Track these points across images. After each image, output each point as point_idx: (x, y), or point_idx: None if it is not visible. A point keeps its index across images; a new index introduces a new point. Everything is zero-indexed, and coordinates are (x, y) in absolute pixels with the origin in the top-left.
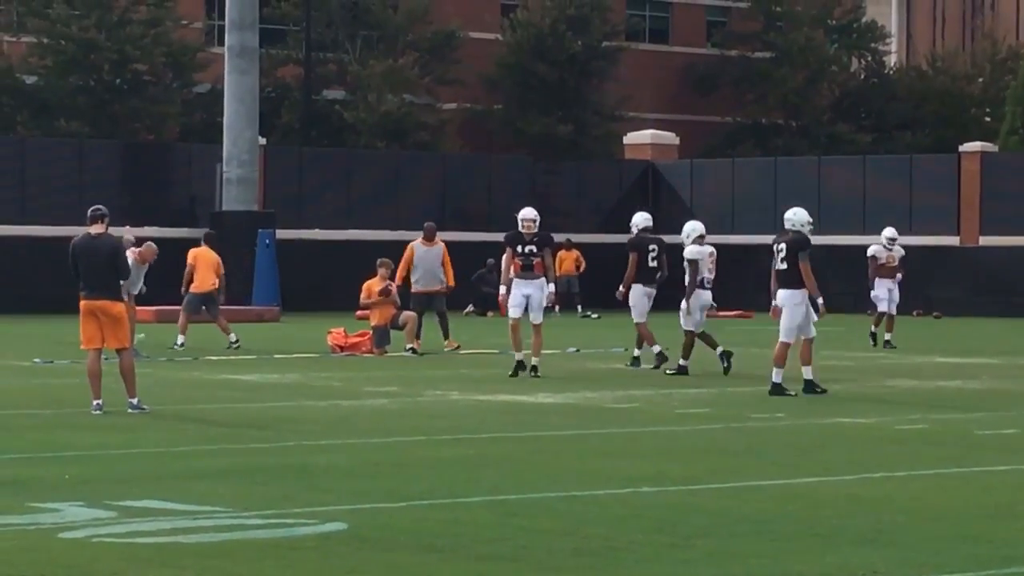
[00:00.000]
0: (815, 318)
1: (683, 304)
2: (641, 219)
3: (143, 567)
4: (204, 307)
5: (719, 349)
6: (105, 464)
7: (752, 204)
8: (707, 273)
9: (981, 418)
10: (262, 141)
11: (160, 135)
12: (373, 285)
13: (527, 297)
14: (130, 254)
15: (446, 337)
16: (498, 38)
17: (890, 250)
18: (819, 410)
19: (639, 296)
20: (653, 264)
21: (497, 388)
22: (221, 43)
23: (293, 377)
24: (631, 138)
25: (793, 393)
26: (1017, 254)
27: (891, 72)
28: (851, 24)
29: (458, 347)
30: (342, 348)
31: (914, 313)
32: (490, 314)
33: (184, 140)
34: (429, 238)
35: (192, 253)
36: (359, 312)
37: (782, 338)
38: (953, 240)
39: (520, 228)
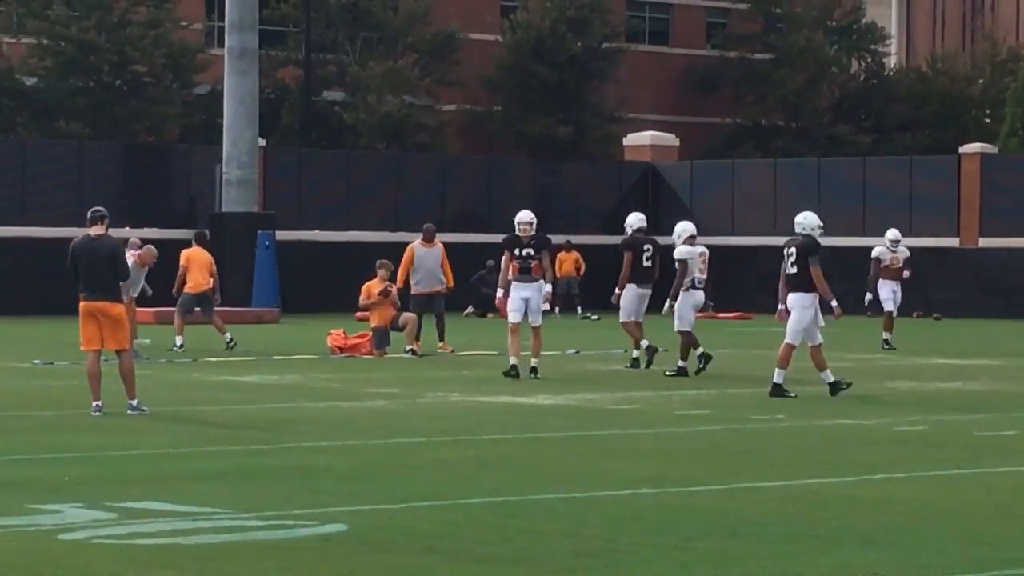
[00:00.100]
0: (821, 323)
1: (666, 304)
2: (635, 219)
3: (142, 568)
4: (198, 307)
5: (699, 350)
6: (105, 465)
7: (752, 205)
8: (698, 273)
9: (981, 419)
10: (262, 142)
11: (160, 136)
12: (373, 286)
13: (526, 300)
14: (130, 256)
15: (441, 339)
16: (498, 39)
17: (894, 252)
18: (819, 411)
19: (631, 296)
20: (648, 264)
21: (497, 389)
22: (221, 44)
23: (293, 378)
24: (631, 139)
25: (793, 395)
26: (1017, 255)
27: (891, 73)
28: (851, 25)
29: (452, 351)
30: (342, 349)
31: (914, 315)
32: (490, 315)
33: (184, 141)
34: (429, 239)
35: (184, 254)
36: (359, 313)
37: (788, 339)
38: (953, 241)
39: (517, 232)
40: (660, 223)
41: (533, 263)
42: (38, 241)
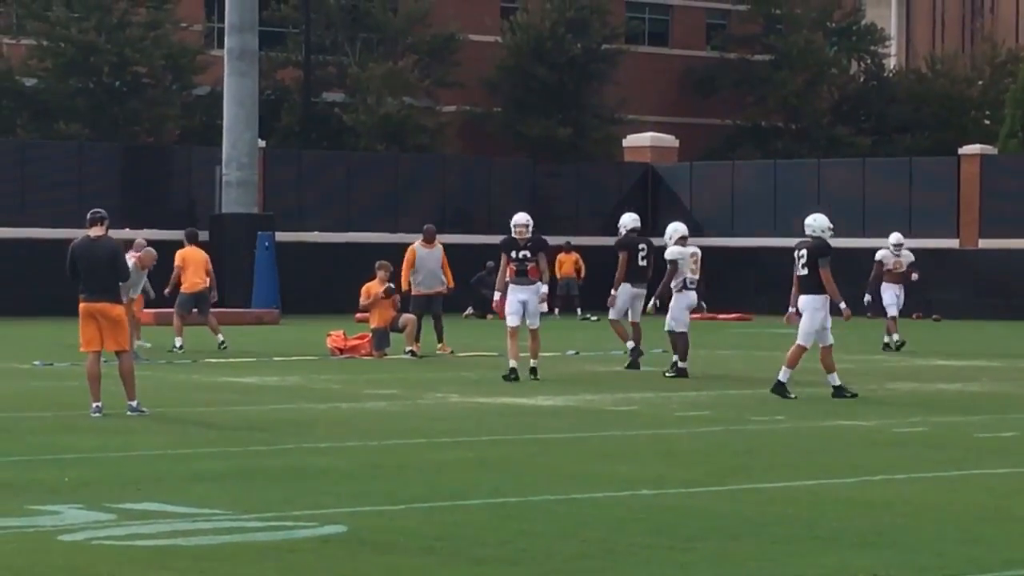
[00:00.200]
0: (828, 324)
1: (650, 303)
2: (629, 220)
3: (142, 569)
4: (196, 308)
5: (684, 364)
6: (104, 467)
7: (752, 207)
8: (690, 274)
9: (981, 421)
10: (261, 144)
11: (160, 137)
12: (372, 287)
13: (523, 303)
14: (130, 258)
15: (440, 340)
16: (498, 41)
17: (897, 255)
18: (819, 413)
19: (624, 295)
20: (643, 263)
21: (497, 391)
22: (221, 45)
23: (293, 379)
24: (631, 141)
25: (793, 396)
26: (1016, 256)
27: (891, 75)
28: (851, 27)
29: (451, 352)
30: (341, 350)
31: (914, 316)
32: (489, 317)
33: (184, 143)
34: (429, 240)
35: (179, 255)
36: (358, 315)
37: (799, 341)
38: (953, 243)
39: (513, 234)
40: (660, 224)
41: (529, 265)
42: (38, 242)
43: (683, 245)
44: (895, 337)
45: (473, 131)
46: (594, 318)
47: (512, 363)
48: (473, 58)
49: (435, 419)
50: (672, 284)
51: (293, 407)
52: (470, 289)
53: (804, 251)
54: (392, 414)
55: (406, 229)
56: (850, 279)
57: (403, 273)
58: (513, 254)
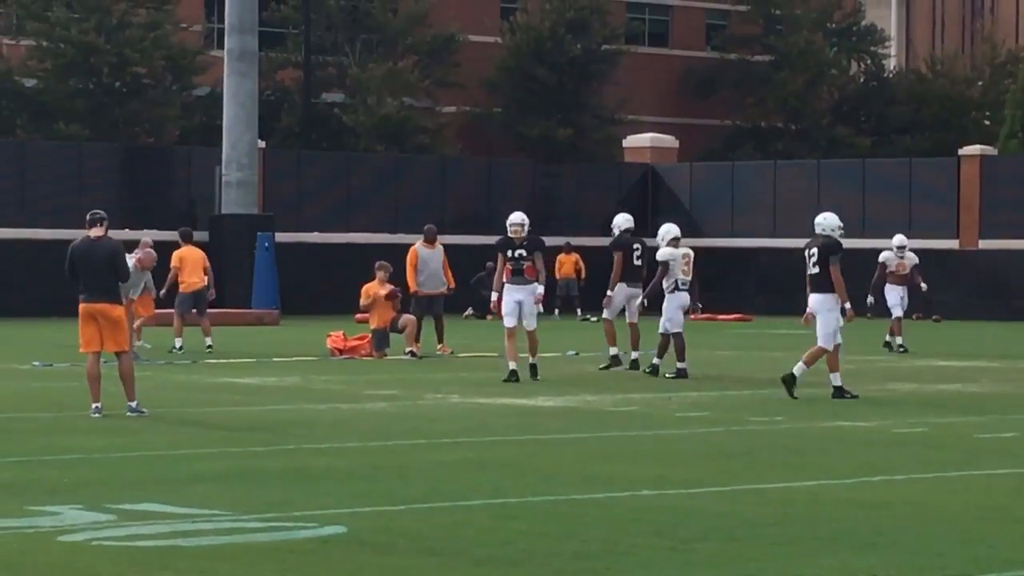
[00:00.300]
0: (840, 323)
1: (637, 301)
2: (622, 220)
3: (142, 570)
4: (195, 308)
5: (683, 364)
6: (104, 467)
7: (751, 207)
8: (681, 275)
9: (981, 421)
10: (261, 144)
11: (160, 138)
12: (372, 288)
13: (519, 303)
14: (131, 259)
15: (440, 341)
16: (497, 41)
17: (901, 257)
18: (819, 413)
19: (620, 295)
20: (638, 263)
21: (497, 391)
22: (221, 46)
23: (292, 380)
24: (630, 141)
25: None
26: (1016, 257)
27: (891, 75)
28: (851, 27)
29: (451, 352)
30: (341, 351)
31: (914, 316)
32: (489, 317)
33: (183, 143)
34: (430, 240)
35: (176, 255)
36: (358, 315)
37: (821, 343)
38: (952, 243)
39: (509, 233)
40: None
41: (526, 264)
42: (38, 243)
43: (675, 246)
44: (898, 340)
45: (473, 132)
46: (594, 319)
47: (512, 365)
48: (473, 59)
49: (435, 420)
50: (664, 285)
51: (293, 408)
52: (470, 290)
53: (815, 250)
54: (392, 415)
55: (406, 230)
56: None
57: (408, 274)
58: (509, 253)
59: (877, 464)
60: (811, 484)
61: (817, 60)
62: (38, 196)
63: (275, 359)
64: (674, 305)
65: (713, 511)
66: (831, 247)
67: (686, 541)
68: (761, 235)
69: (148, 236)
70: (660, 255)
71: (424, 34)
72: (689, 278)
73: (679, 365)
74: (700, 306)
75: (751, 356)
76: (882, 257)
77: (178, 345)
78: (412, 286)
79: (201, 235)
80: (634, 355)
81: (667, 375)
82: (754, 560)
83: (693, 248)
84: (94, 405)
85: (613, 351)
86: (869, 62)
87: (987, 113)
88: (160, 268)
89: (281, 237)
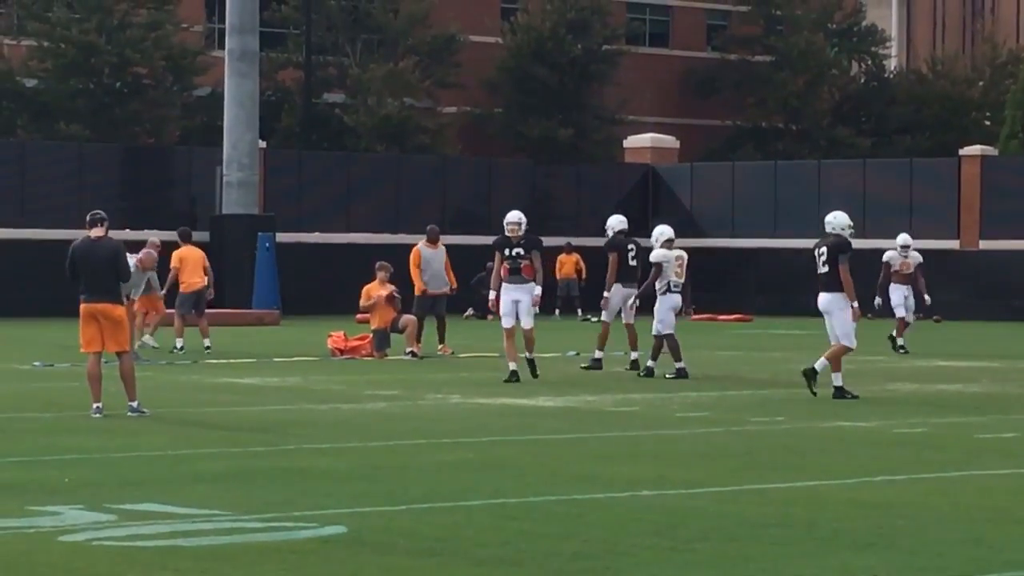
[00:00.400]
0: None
1: (630, 301)
2: (616, 221)
3: (143, 570)
4: (195, 308)
5: (680, 364)
6: (105, 467)
7: (752, 208)
8: (674, 277)
9: (982, 422)
10: (262, 144)
11: (160, 138)
12: (373, 288)
13: (516, 303)
14: (132, 259)
15: (441, 341)
16: (498, 42)
17: (904, 257)
18: (819, 413)
19: (616, 296)
20: (633, 264)
21: (497, 392)
22: (221, 46)
23: (293, 380)
24: (631, 142)
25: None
26: (1017, 257)
27: (891, 76)
28: (851, 28)
29: (452, 353)
30: (342, 351)
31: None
32: (490, 317)
33: (184, 143)
34: (433, 240)
35: (176, 255)
36: (359, 315)
37: (844, 342)
38: (953, 244)
39: (506, 232)
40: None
41: (523, 263)
42: (38, 243)
43: (669, 248)
44: (899, 341)
45: (473, 132)
46: (595, 319)
47: (512, 366)
48: (473, 59)
49: (436, 420)
50: (656, 287)
51: (294, 408)
52: (470, 290)
53: (824, 249)
54: (393, 415)
55: (406, 230)
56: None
57: (414, 274)
58: (506, 252)
59: (877, 464)
60: (811, 484)
61: (818, 60)
62: (39, 196)
63: (276, 359)
64: (666, 307)
65: (713, 511)
66: (840, 246)
67: (686, 541)
68: (761, 235)
69: (153, 237)
70: (654, 256)
71: (425, 34)
72: (682, 280)
73: (677, 365)
74: (692, 308)
75: (751, 356)
76: (886, 256)
77: (179, 345)
78: (419, 285)
79: (202, 235)
80: (634, 355)
81: (667, 375)
82: (754, 560)
83: (694, 248)
84: (95, 405)
85: (598, 354)
86: (870, 62)
87: (988, 113)
88: (160, 268)
89: (282, 237)
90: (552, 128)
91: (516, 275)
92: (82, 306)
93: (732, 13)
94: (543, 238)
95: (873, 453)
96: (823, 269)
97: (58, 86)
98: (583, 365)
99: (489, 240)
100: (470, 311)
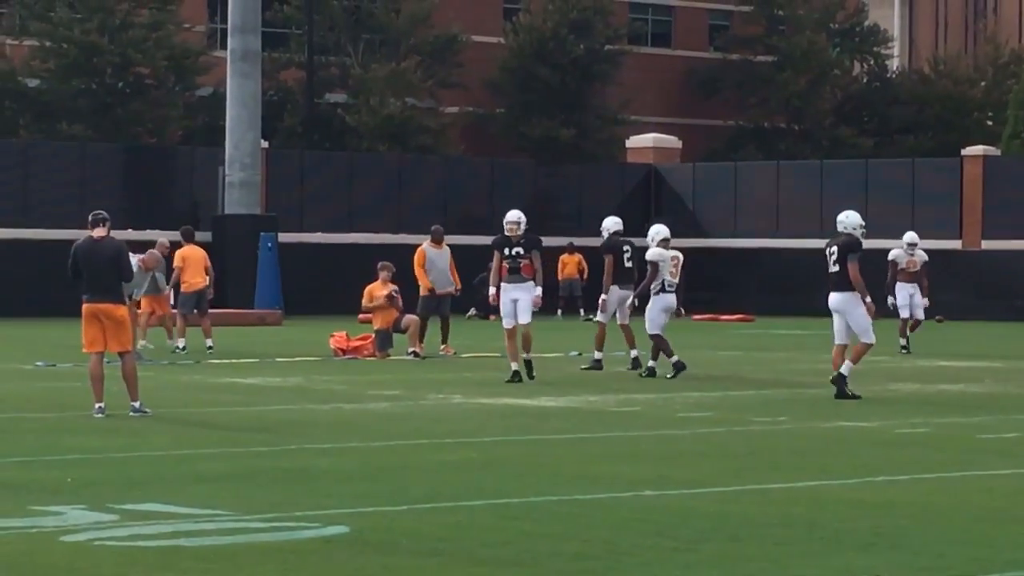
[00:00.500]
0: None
1: (628, 301)
2: (611, 223)
3: (145, 570)
4: (197, 308)
5: (674, 358)
6: (107, 467)
7: (754, 208)
8: (669, 277)
9: (983, 422)
10: (264, 144)
11: (162, 138)
12: (375, 288)
13: (515, 302)
14: (134, 259)
15: (444, 341)
16: (500, 42)
17: (911, 255)
18: (821, 413)
19: (613, 298)
20: (628, 265)
21: (500, 392)
22: (223, 47)
23: (295, 380)
24: (633, 142)
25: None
26: (1019, 258)
27: (893, 76)
28: (854, 28)
29: (454, 353)
30: (344, 351)
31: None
32: (492, 317)
33: (186, 143)
34: (437, 241)
35: (179, 254)
36: (361, 315)
37: (863, 340)
38: (955, 244)
39: (505, 231)
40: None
41: (523, 262)
42: (40, 243)
43: (665, 248)
44: (902, 342)
45: (476, 132)
46: (595, 319)
47: (513, 366)
48: (476, 59)
49: (438, 420)
50: (651, 286)
51: (296, 408)
52: (472, 290)
53: (835, 248)
54: (395, 415)
55: (409, 230)
56: None
57: (419, 274)
58: (506, 251)
59: (879, 464)
60: (813, 484)
61: (820, 60)
62: (41, 196)
63: (278, 359)
64: (658, 307)
65: (715, 511)
66: (851, 245)
67: (688, 541)
68: (763, 236)
69: (152, 236)
70: (650, 255)
71: (427, 34)
72: (676, 280)
73: (672, 360)
74: (681, 309)
75: (753, 356)
76: (892, 255)
77: (181, 345)
78: (426, 285)
79: (204, 235)
80: (634, 353)
81: (667, 376)
82: (756, 560)
83: (696, 249)
84: (97, 405)
85: (598, 356)
86: (872, 62)
87: (990, 113)
88: (165, 268)
89: (284, 237)
90: (554, 128)
91: (515, 274)
92: (84, 306)
93: (734, 13)
94: (545, 238)
95: (875, 453)
96: (834, 268)
97: (60, 86)
98: (583, 367)
99: (490, 240)
100: (472, 311)
